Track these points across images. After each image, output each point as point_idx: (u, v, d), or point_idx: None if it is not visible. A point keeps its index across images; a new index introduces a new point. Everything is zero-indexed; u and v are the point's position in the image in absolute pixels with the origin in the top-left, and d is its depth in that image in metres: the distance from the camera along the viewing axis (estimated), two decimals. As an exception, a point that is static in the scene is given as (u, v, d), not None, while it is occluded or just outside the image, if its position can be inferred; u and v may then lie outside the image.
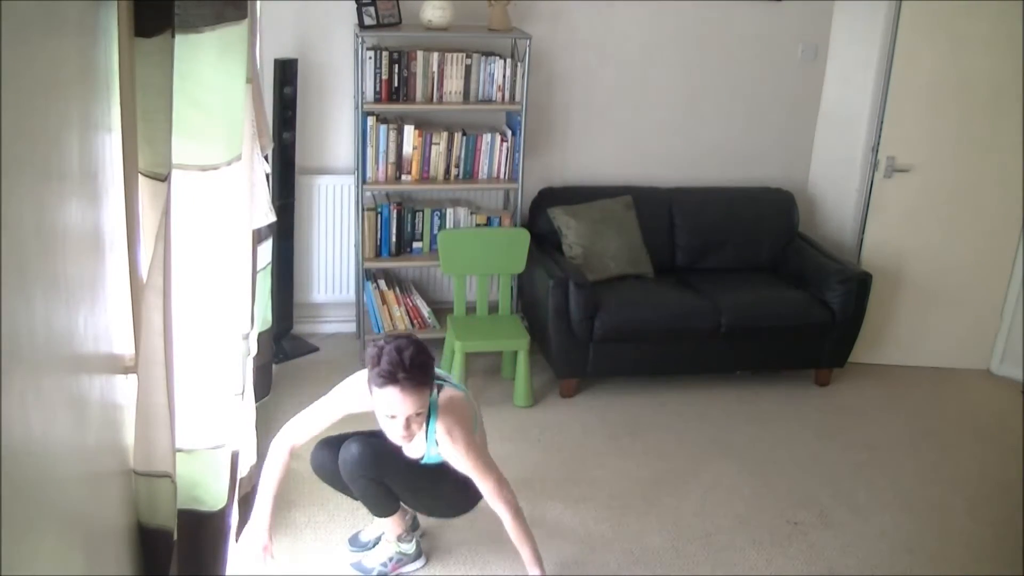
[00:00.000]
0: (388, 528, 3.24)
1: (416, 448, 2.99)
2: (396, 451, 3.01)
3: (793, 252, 4.95)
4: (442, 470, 3.01)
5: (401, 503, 3.16)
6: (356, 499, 3.17)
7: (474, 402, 3.12)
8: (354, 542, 3.41)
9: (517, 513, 2.95)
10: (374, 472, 3.00)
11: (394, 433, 2.82)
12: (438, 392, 2.93)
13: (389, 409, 2.76)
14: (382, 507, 3.14)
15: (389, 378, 2.71)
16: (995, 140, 4.73)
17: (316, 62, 4.57)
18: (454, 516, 3.29)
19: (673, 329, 4.44)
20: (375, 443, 3.01)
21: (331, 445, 3.14)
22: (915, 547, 3.53)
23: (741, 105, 5.13)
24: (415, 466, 3.02)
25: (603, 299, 4.35)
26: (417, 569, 3.28)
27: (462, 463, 2.91)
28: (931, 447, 4.28)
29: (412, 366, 2.71)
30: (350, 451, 2.99)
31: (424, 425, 2.88)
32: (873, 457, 4.15)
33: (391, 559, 3.25)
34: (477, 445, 2.95)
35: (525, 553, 2.97)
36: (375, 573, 3.25)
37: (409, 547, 3.27)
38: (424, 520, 3.42)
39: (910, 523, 3.68)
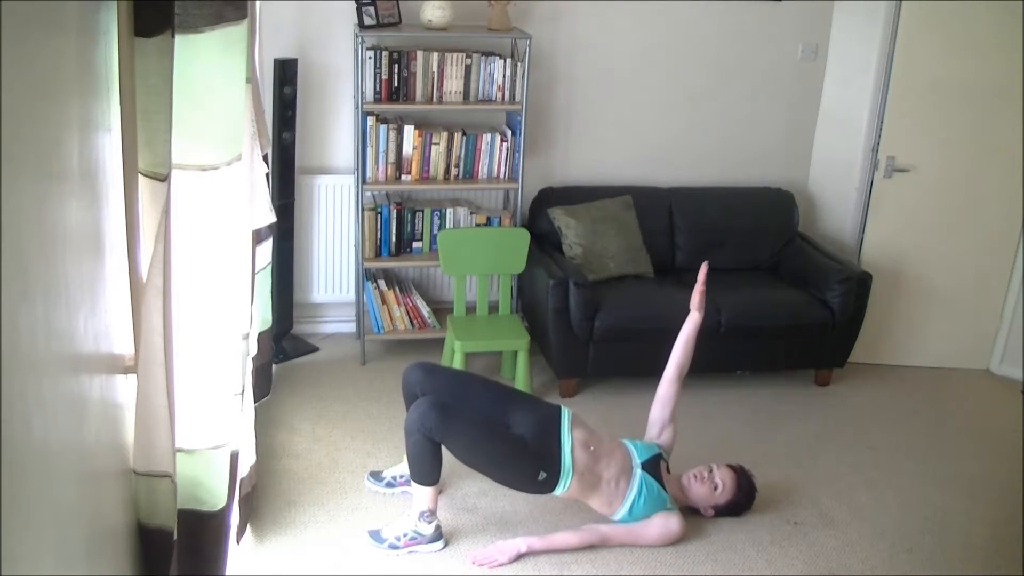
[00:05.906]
0: (417, 499, 3.28)
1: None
2: (466, 421, 3.28)
3: (793, 252, 4.95)
4: (500, 451, 3.28)
5: (437, 481, 3.29)
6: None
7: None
8: (376, 476, 3.62)
9: (607, 538, 3.39)
10: (435, 434, 3.18)
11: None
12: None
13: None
14: (424, 473, 3.23)
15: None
16: (995, 140, 4.73)
17: (316, 62, 4.57)
18: (510, 485, 3.40)
19: (673, 329, 4.40)
20: (448, 407, 3.25)
21: (426, 376, 3.43)
22: (915, 547, 3.53)
23: (741, 105, 5.13)
24: (479, 441, 3.27)
25: (603, 299, 4.35)
26: (432, 551, 3.29)
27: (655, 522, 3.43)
28: (931, 447, 4.28)
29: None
30: (420, 407, 3.21)
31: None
32: (873, 457, 4.15)
33: (406, 535, 3.27)
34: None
35: (565, 538, 3.35)
36: (386, 545, 3.27)
37: (427, 528, 3.28)
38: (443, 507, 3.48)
39: (910, 523, 3.68)
